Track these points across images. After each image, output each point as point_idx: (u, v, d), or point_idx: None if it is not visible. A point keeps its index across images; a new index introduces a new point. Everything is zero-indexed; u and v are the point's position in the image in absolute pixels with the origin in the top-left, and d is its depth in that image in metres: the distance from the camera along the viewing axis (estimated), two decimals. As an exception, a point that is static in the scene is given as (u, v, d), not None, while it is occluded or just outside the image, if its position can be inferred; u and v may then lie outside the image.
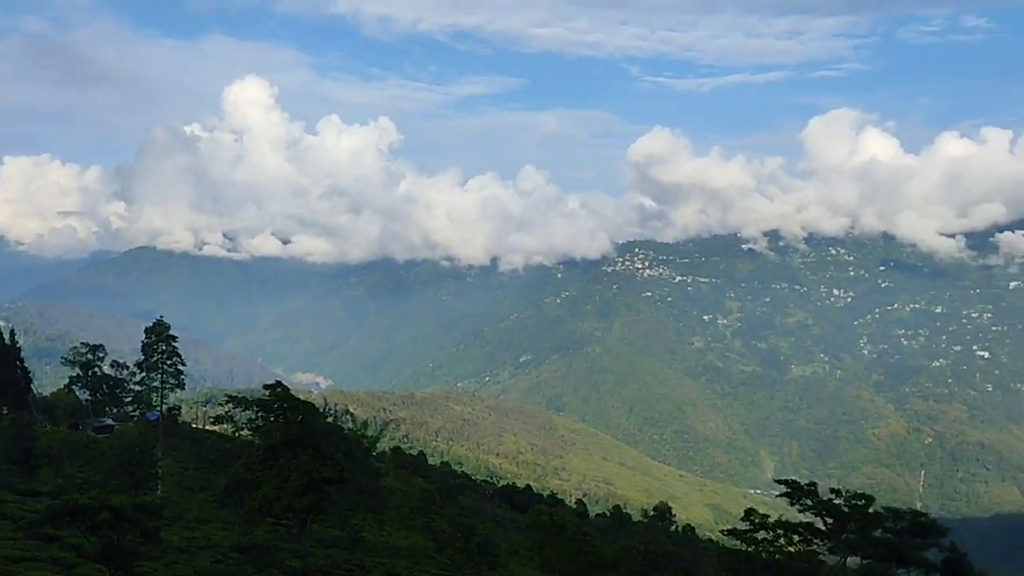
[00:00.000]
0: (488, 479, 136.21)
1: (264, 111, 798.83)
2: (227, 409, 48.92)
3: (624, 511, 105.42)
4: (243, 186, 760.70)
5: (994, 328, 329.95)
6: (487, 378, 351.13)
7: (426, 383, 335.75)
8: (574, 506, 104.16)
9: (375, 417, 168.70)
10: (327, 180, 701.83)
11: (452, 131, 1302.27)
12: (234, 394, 54.45)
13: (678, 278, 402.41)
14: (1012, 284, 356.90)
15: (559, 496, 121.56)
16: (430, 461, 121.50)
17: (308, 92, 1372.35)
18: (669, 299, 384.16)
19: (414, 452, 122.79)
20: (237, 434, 56.56)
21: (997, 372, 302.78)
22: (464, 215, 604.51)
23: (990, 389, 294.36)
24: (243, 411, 46.23)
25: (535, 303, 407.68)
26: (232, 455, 50.65)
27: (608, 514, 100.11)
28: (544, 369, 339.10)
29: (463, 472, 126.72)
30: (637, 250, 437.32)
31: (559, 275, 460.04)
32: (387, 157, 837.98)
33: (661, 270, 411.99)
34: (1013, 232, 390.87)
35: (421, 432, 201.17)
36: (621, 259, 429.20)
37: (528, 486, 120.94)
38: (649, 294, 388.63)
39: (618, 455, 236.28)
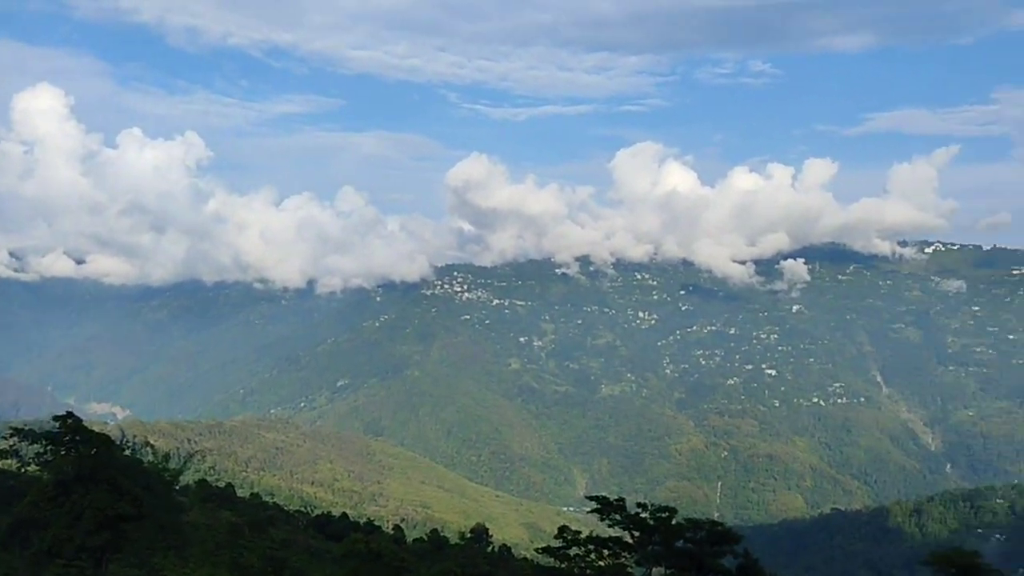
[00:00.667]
0: (302, 509, 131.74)
1: (58, 121, 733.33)
2: (12, 443, 45.04)
3: (442, 534, 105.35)
4: (32, 201, 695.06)
5: (780, 348, 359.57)
6: (302, 404, 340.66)
7: (236, 411, 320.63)
8: (391, 532, 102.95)
9: (178, 448, 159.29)
10: (127, 196, 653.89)
11: (266, 149, 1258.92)
12: (20, 426, 50.30)
13: (495, 301, 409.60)
14: (794, 307, 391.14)
15: (376, 523, 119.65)
16: (239, 493, 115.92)
17: (107, 103, 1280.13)
18: (487, 322, 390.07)
19: (221, 484, 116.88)
20: (23, 470, 51.88)
21: (783, 388, 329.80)
22: (279, 236, 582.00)
23: (777, 404, 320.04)
24: (30, 444, 42.66)
25: (353, 326, 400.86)
26: (17, 492, 46.39)
27: (426, 538, 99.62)
28: (362, 393, 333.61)
29: (275, 503, 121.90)
30: (456, 273, 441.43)
31: (378, 298, 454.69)
32: (195, 174, 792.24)
33: (479, 293, 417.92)
34: (795, 260, 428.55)
35: (230, 463, 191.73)
36: (440, 282, 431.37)
37: (344, 514, 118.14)
38: (468, 317, 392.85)
39: (436, 478, 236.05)
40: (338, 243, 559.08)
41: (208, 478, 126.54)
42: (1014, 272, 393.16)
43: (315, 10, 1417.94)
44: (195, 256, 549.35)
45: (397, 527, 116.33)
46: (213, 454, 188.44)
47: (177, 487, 69.66)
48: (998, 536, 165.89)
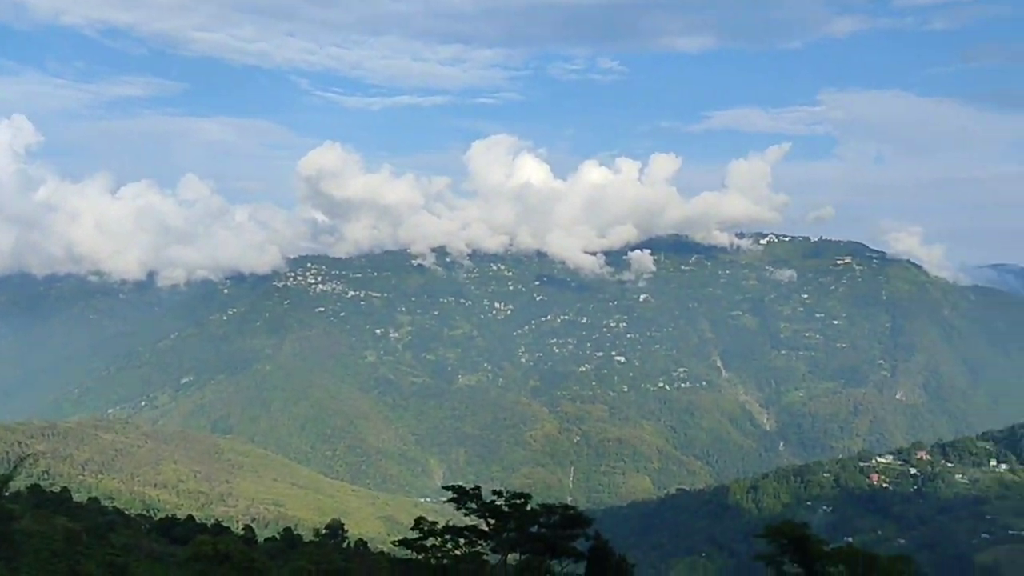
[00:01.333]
0: (144, 512, 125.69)
1: None
2: None
3: (295, 532, 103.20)
4: None
5: (628, 336, 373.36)
6: (143, 403, 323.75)
7: (71, 411, 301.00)
8: (241, 532, 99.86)
9: (8, 452, 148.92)
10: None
11: (102, 133, 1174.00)
12: None
13: (351, 293, 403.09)
14: (641, 297, 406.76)
15: (225, 524, 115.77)
16: (76, 498, 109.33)
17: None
18: (342, 314, 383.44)
19: (56, 489, 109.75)
20: None
21: (631, 375, 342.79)
22: (116, 225, 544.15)
23: (626, 390, 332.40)
24: None
25: (199, 320, 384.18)
26: None
27: (278, 537, 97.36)
28: (209, 390, 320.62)
29: (115, 507, 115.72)
30: (309, 265, 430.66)
31: (226, 291, 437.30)
32: (23, 159, 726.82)
33: (334, 285, 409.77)
34: (642, 251, 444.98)
35: (65, 466, 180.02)
36: (293, 274, 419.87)
37: (190, 516, 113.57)
38: (322, 309, 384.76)
39: (290, 475, 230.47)
40: (181, 233, 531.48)
41: (41, 483, 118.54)
42: (838, 262, 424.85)
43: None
44: (24, 247, 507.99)
45: (247, 527, 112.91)
46: (47, 457, 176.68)
47: (7, 493, 64.90)
48: (825, 508, 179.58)
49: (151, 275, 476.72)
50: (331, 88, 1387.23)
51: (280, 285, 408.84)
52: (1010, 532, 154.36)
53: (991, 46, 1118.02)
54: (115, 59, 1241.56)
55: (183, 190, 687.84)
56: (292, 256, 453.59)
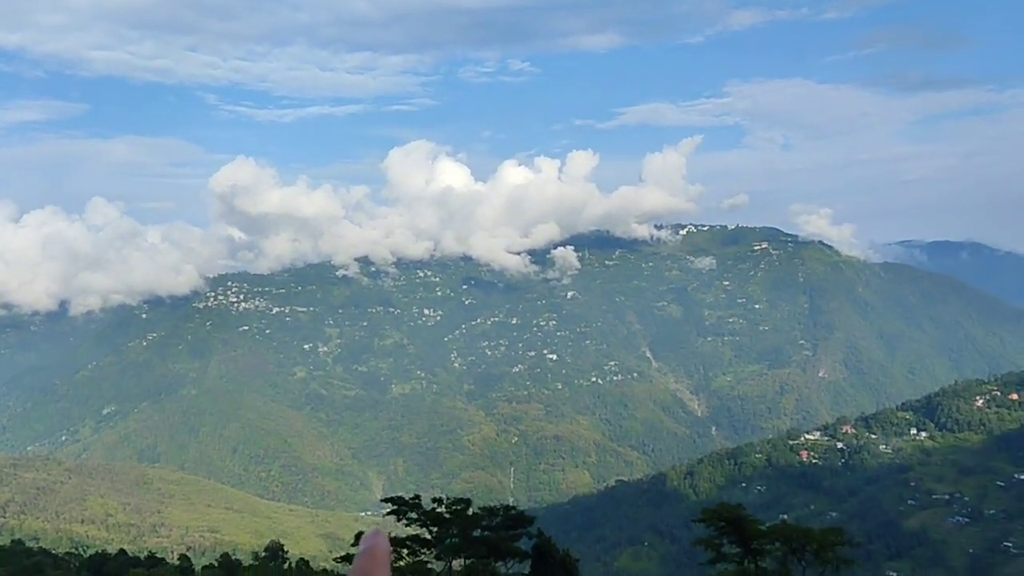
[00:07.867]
0: (73, 551, 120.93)
1: None
2: None
3: (234, 557, 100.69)
4: None
5: (558, 333, 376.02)
6: (64, 437, 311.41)
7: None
8: (177, 563, 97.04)
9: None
10: None
11: (1, 161, 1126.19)
12: None
13: (275, 309, 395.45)
14: (569, 294, 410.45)
15: (159, 555, 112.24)
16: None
17: None
18: (268, 331, 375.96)
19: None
20: None
21: (564, 371, 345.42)
22: (21, 255, 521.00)
23: (560, 387, 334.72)
24: None
25: (117, 348, 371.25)
26: None
27: (217, 564, 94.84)
28: (133, 419, 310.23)
29: (41, 548, 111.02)
30: (230, 283, 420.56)
31: (144, 315, 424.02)
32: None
33: (257, 302, 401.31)
34: (565, 248, 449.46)
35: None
36: (213, 294, 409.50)
37: (122, 550, 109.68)
38: (246, 328, 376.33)
39: (224, 500, 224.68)
40: (92, 259, 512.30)
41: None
42: (755, 248, 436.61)
43: (43, 10, 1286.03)
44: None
45: (183, 556, 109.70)
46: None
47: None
48: (759, 488, 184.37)
49: (63, 304, 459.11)
50: (240, 102, 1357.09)
51: (201, 306, 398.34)
52: (933, 497, 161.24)
53: (882, 32, 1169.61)
54: (8, 83, 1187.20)
55: (91, 214, 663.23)
56: (211, 275, 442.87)
